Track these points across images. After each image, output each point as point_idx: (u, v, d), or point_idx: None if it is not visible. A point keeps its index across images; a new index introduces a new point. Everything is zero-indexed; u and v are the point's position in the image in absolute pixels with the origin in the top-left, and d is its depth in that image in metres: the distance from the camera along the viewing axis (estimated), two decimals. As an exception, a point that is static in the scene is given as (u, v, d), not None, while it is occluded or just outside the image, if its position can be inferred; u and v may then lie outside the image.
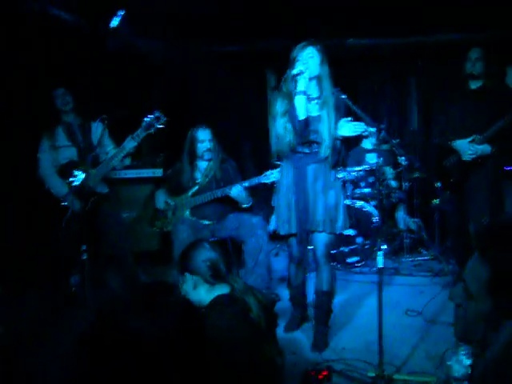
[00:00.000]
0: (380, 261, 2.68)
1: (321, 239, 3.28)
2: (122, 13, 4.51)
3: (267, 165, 5.83)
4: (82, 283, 3.65)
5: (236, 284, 2.34)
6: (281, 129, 3.18)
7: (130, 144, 3.67)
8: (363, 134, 5.46)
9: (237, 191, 4.01)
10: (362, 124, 2.98)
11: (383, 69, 6.53)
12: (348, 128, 3.01)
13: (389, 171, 5.58)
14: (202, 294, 2.35)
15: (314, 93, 3.19)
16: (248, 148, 6.70)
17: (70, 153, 3.94)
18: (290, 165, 3.33)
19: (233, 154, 4.73)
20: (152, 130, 3.64)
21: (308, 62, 3.07)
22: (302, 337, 3.50)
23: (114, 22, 4.55)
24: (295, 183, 3.27)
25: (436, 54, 6.00)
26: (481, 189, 3.94)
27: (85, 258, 3.15)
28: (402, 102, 6.50)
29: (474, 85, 4.05)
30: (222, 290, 2.32)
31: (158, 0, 4.64)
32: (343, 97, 2.98)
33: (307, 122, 3.08)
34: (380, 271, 2.70)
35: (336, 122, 3.10)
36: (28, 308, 3.79)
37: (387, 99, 6.53)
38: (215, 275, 2.35)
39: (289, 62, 3.15)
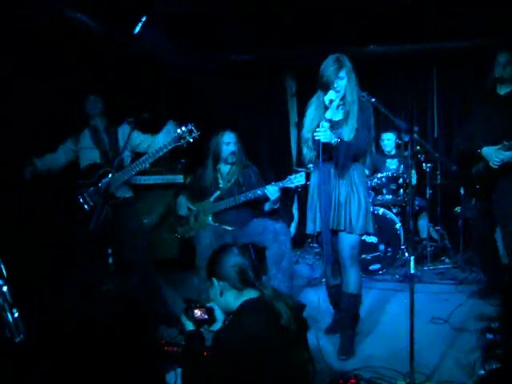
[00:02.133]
0: (412, 267, 2.62)
1: (344, 240, 3.31)
2: (144, 19, 4.51)
3: (286, 170, 5.84)
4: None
5: (265, 290, 2.27)
6: (305, 147, 3.37)
7: (157, 154, 3.67)
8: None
9: (273, 191, 3.93)
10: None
11: (403, 75, 6.50)
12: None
13: (414, 176, 5.51)
14: (230, 299, 2.28)
15: (339, 100, 3.26)
16: (267, 154, 6.68)
17: (93, 155, 3.92)
18: (315, 168, 3.46)
19: (253, 160, 4.71)
20: (182, 143, 3.64)
21: (338, 84, 3.18)
22: (328, 344, 3.44)
23: (137, 28, 4.55)
24: (319, 186, 3.37)
25: (454, 59, 5.96)
26: (508, 195, 3.86)
27: (111, 261, 3.12)
28: (422, 109, 6.43)
29: (503, 90, 3.97)
30: (251, 295, 2.25)
31: (176, 7, 4.66)
32: (373, 100, 2.98)
33: (325, 147, 3.16)
34: (411, 277, 2.63)
35: (361, 125, 3.20)
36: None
37: (408, 106, 6.47)
38: (243, 281, 2.27)
39: (318, 77, 3.24)
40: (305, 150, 3.38)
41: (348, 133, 3.19)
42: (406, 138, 2.88)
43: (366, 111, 3.22)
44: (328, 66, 3.18)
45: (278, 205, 4.13)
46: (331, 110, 3.18)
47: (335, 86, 3.18)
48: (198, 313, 2.38)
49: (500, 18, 4.89)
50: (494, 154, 3.84)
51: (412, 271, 2.60)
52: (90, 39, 4.52)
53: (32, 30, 3.96)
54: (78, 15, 4.27)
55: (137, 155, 3.95)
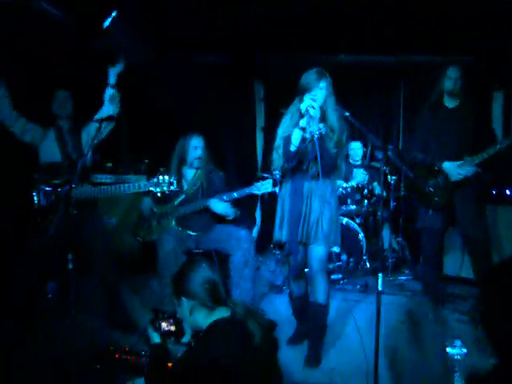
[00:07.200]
0: (380, 283, 2.59)
1: (315, 252, 3.30)
2: (114, 13, 4.38)
3: (251, 175, 5.77)
4: (61, 291, 3.49)
5: (237, 308, 2.18)
6: (275, 153, 3.33)
7: (128, 190, 3.52)
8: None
9: (215, 205, 3.95)
10: None
11: (370, 85, 6.54)
12: None
13: (377, 188, 5.53)
14: (200, 319, 2.17)
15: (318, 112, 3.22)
16: (232, 158, 6.60)
17: (54, 155, 3.70)
18: (288, 180, 3.40)
19: (218, 164, 4.63)
20: (157, 190, 3.47)
21: (317, 93, 3.14)
22: (289, 354, 3.39)
23: (106, 22, 4.42)
24: (291, 197, 3.34)
25: (418, 73, 6.04)
26: (468, 206, 3.99)
27: (71, 267, 2.96)
28: (388, 120, 6.51)
29: (451, 103, 4.01)
30: (222, 314, 2.15)
31: (148, 6, 4.55)
32: (347, 114, 2.95)
33: (296, 154, 3.18)
34: (378, 295, 2.60)
35: (339, 143, 3.19)
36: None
37: (374, 117, 6.53)
38: (214, 299, 2.17)
39: (298, 85, 3.21)
40: (274, 156, 3.34)
41: (331, 147, 3.16)
42: (380, 155, 2.87)
43: (345, 129, 3.23)
44: (309, 75, 3.18)
45: (232, 216, 4.07)
46: (306, 119, 3.12)
47: (314, 94, 3.13)
48: (164, 325, 2.31)
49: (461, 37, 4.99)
50: (456, 171, 3.91)
51: (380, 288, 2.57)
52: (57, 30, 4.35)
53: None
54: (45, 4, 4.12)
55: (101, 157, 3.79)
